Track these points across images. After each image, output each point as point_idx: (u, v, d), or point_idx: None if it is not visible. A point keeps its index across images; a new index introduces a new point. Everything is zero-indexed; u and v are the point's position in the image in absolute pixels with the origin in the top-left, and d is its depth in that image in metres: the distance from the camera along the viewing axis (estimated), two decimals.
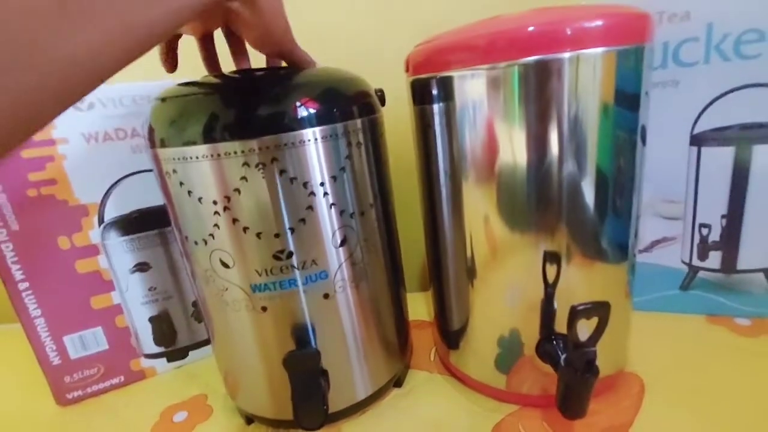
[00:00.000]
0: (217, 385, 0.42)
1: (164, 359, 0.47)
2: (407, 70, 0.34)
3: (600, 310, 0.25)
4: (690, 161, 0.40)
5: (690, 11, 0.37)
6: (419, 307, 0.54)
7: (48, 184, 0.39)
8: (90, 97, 0.40)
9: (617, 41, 0.27)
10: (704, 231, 0.41)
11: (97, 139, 0.41)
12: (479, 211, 0.32)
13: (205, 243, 0.31)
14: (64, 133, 0.39)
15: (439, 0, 0.51)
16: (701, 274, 0.43)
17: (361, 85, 0.34)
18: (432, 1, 0.52)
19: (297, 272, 0.31)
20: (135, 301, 0.45)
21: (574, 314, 0.25)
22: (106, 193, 0.41)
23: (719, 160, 0.39)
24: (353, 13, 0.53)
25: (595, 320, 0.26)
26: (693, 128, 0.39)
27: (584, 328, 0.27)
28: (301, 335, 0.32)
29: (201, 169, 0.28)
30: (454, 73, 0.29)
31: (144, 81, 0.40)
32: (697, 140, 0.39)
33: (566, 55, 0.26)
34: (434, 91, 0.31)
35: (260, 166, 0.28)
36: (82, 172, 0.40)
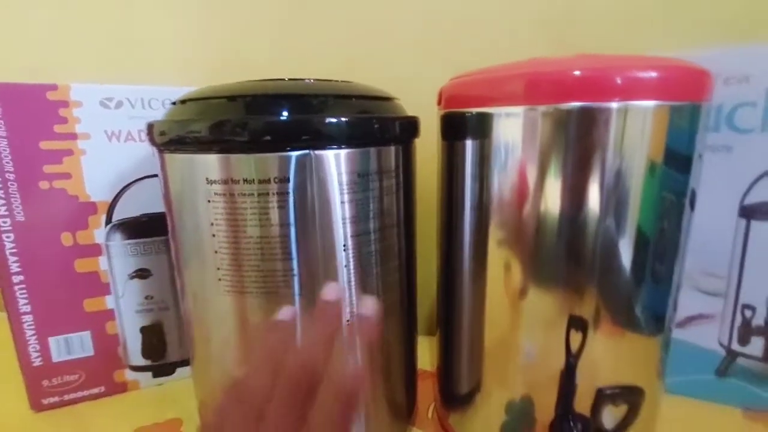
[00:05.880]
0: (195, 410, 0.39)
1: (150, 373, 0.45)
2: (439, 102, 0.32)
3: (631, 396, 0.22)
4: (737, 234, 0.37)
5: (749, 75, 0.34)
6: (423, 354, 0.50)
7: (62, 177, 0.38)
8: (119, 96, 0.40)
9: (672, 96, 0.24)
10: (747, 313, 0.37)
11: (120, 138, 0.40)
12: (502, 260, 0.29)
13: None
14: (88, 128, 0.39)
15: (474, 38, 0.51)
16: (740, 360, 0.38)
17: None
18: (468, 40, 0.51)
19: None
20: (129, 308, 0.43)
21: (601, 398, 0.22)
22: (118, 194, 0.41)
23: None
24: (389, 43, 0.53)
25: (622, 407, 0.22)
26: (743, 199, 0.36)
27: (609, 415, 0.23)
28: None
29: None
30: (490, 111, 0.27)
31: (176, 86, 0.39)
32: (747, 212, 0.36)
33: (614, 104, 0.24)
34: (467, 127, 0.29)
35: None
36: (99, 170, 0.39)
